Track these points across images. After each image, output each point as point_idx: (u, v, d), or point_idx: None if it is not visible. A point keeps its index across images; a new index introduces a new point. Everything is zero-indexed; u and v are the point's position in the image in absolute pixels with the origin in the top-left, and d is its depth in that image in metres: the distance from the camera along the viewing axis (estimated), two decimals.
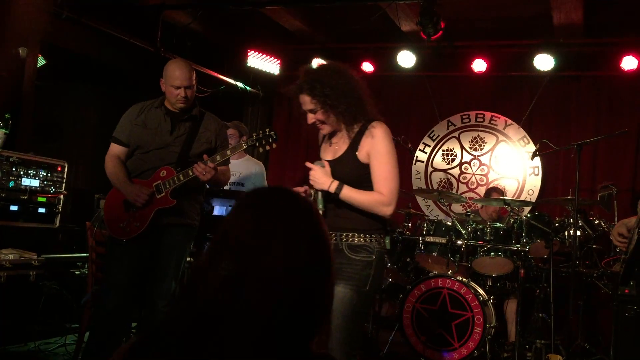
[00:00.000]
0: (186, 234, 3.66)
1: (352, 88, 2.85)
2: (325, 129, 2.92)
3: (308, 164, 2.87)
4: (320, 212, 2.76)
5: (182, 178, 3.45)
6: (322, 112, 2.84)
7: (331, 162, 2.89)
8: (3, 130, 4.33)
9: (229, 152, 3.43)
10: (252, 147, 3.38)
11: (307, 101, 2.84)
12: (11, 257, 3.98)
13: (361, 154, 2.84)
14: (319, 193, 2.83)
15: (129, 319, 3.67)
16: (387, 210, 2.83)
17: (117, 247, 3.54)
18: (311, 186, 2.89)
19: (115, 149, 3.67)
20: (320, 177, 2.81)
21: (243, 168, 5.34)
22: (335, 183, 2.79)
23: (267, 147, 3.35)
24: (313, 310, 1.21)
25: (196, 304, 1.19)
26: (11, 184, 4.25)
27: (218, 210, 5.22)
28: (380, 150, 2.83)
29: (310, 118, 2.88)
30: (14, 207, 4.30)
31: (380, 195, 2.80)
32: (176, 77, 3.53)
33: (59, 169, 4.60)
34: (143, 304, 4.40)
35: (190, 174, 3.43)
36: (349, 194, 2.79)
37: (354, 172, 2.84)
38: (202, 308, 1.18)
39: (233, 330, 1.15)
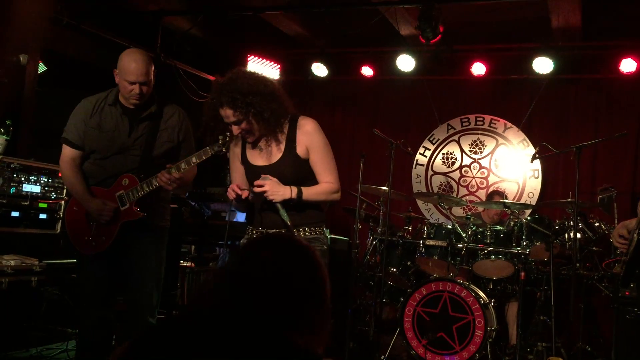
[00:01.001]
0: (157, 238, 3.41)
1: (270, 91, 2.87)
2: (251, 138, 2.92)
3: (259, 182, 2.83)
4: (288, 222, 2.82)
5: (146, 189, 3.21)
6: (246, 122, 2.85)
7: (269, 167, 2.93)
8: (4, 137, 4.35)
9: (194, 160, 3.14)
10: (219, 152, 3.14)
11: (229, 114, 2.83)
12: (12, 263, 3.98)
13: (300, 151, 2.93)
14: (278, 205, 2.83)
15: (112, 325, 3.43)
16: (338, 196, 3.00)
17: (87, 262, 3.33)
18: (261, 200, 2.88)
19: (68, 152, 3.33)
20: (279, 189, 2.82)
21: None
22: (295, 189, 2.85)
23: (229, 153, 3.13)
24: (312, 325, 1.39)
25: (199, 315, 1.35)
26: (12, 190, 4.26)
27: (240, 216, 5.23)
28: (318, 143, 2.94)
29: (236, 130, 2.87)
30: (15, 213, 4.32)
31: (330, 185, 2.95)
32: (131, 72, 3.18)
33: (60, 174, 4.60)
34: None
35: (155, 184, 3.19)
36: (308, 193, 2.89)
37: (298, 170, 2.92)
38: (205, 318, 1.33)
39: (233, 337, 1.28)
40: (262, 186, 2.82)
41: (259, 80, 2.87)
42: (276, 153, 2.95)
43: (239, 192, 2.89)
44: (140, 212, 3.24)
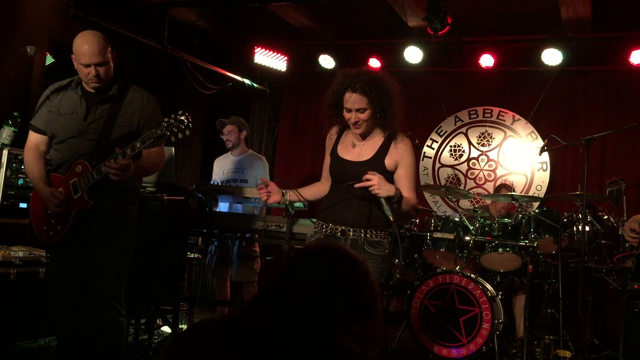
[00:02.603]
0: (119, 228, 3.25)
1: (398, 99, 3.11)
2: (360, 130, 3.11)
3: (368, 176, 2.95)
4: (391, 217, 2.98)
5: (95, 176, 3.09)
6: (369, 113, 3.05)
7: (354, 164, 3.13)
8: (12, 129, 4.36)
9: (138, 145, 3.04)
10: (162, 136, 3.07)
11: (358, 100, 3.01)
12: (21, 254, 4.00)
13: (389, 162, 3.11)
14: (383, 200, 2.95)
15: (84, 319, 3.31)
16: (413, 211, 3.38)
17: (51, 252, 3.34)
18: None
19: (33, 138, 3.29)
20: (386, 185, 2.96)
21: (246, 164, 5.35)
22: (397, 189, 3.02)
23: (180, 135, 3.07)
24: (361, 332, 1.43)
25: (248, 316, 1.41)
26: (20, 181, 4.28)
27: (222, 207, 5.22)
28: (409, 161, 3.16)
29: (355, 116, 3.05)
30: (23, 205, 4.33)
31: (413, 198, 3.18)
32: (84, 54, 3.07)
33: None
34: (148, 301, 4.43)
35: (103, 171, 3.06)
36: (404, 196, 3.05)
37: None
38: (260, 320, 1.39)
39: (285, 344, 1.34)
40: (369, 180, 2.94)
41: (394, 85, 3.11)
42: (367, 154, 3.14)
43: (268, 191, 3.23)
44: (90, 200, 3.12)
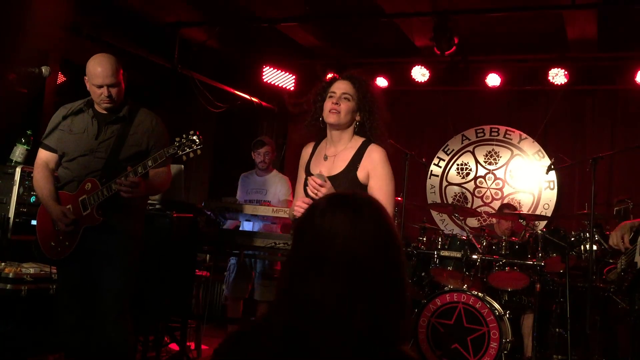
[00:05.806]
0: (123, 243, 3.27)
1: (382, 111, 2.92)
2: (334, 117, 2.84)
3: (320, 182, 2.72)
4: None
5: (106, 193, 3.16)
6: (350, 106, 2.85)
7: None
8: (25, 147, 4.41)
9: (150, 163, 3.14)
10: (173, 155, 3.15)
11: (346, 87, 2.87)
12: (32, 271, 4.02)
13: (361, 174, 2.83)
14: None
15: (91, 335, 3.30)
16: None
17: (58, 268, 3.38)
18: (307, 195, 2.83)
19: (43, 155, 3.38)
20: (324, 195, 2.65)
21: (270, 184, 5.39)
22: None
23: (191, 155, 3.14)
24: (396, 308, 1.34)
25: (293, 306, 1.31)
26: (32, 199, 4.32)
27: (247, 225, 5.26)
28: (381, 173, 2.83)
29: (336, 107, 2.83)
30: (34, 222, 4.36)
31: None
32: (97, 75, 3.19)
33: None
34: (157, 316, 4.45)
35: (114, 188, 3.14)
36: None
37: None
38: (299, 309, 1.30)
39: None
40: (319, 186, 2.70)
41: (380, 98, 2.95)
42: (338, 167, 2.87)
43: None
44: (100, 217, 3.20)
